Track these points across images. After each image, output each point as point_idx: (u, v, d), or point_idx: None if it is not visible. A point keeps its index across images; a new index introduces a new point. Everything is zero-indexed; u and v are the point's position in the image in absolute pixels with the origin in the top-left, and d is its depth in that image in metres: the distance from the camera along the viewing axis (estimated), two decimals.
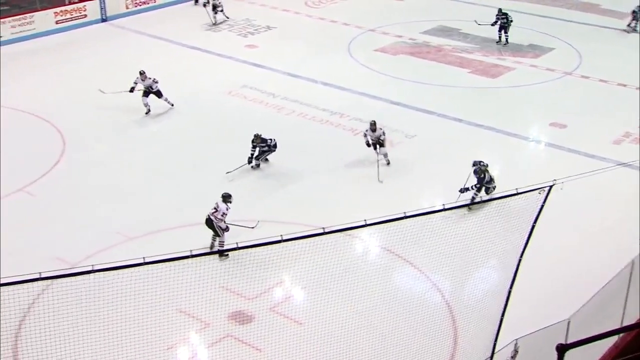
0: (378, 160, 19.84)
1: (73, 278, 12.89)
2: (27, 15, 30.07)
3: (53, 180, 19.47)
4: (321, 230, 9.93)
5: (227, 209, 16.14)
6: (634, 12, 31.21)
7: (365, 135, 20.10)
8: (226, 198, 16.29)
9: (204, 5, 32.08)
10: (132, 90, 22.70)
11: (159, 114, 23.13)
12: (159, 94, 23.06)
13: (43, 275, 10.00)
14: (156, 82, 22.91)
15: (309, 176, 19.79)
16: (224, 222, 16.10)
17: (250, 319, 14.52)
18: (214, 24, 31.44)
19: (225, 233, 16.12)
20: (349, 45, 29.58)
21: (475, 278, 14.82)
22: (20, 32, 29.65)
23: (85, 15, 31.59)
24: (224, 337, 14.05)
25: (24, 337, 13.77)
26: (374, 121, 19.97)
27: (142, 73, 22.77)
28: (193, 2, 34.62)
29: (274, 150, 20.07)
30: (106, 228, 17.18)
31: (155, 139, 22.20)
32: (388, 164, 20.06)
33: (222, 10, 31.82)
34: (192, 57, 28.63)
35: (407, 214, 10.11)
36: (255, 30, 31.33)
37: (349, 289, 14.00)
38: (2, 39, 28.97)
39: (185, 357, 14.01)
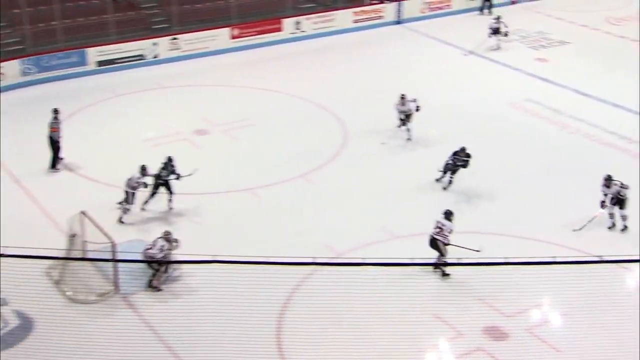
0: (611, 226, 17.41)
1: (339, 268, 13.25)
2: (329, 13, 31.38)
3: (331, 171, 20.14)
4: (597, 259, 9.34)
5: (452, 226, 15.45)
6: None
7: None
8: (449, 215, 15.62)
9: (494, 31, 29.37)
10: (402, 123, 21.52)
11: (435, 121, 23.04)
12: (409, 116, 21.38)
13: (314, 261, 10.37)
14: (414, 101, 21.27)
15: (582, 197, 18.70)
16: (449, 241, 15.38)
17: (505, 336, 14.05)
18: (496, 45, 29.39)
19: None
20: None
21: None
22: (321, 28, 31.02)
23: (382, 17, 32.39)
24: (474, 350, 13.73)
25: (287, 317, 14.36)
26: (609, 175, 17.23)
27: (402, 97, 21.28)
28: (478, 11, 34.19)
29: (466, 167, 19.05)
30: (374, 223, 17.45)
31: (433, 144, 22.19)
32: (624, 229, 17.24)
33: (506, 34, 29.36)
34: (478, 65, 28.31)
35: None
36: (548, 43, 30.34)
37: (617, 323, 13.12)
38: (304, 34, 30.49)
39: None
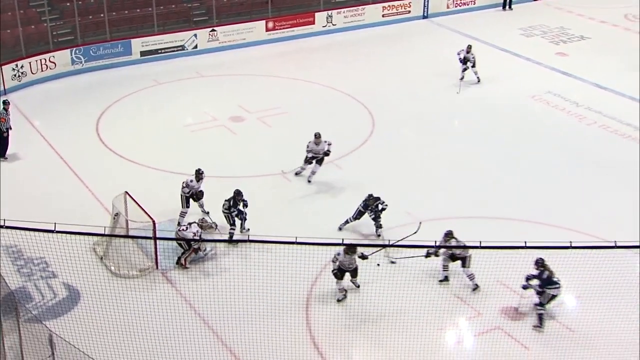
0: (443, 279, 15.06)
1: (364, 249, 13.21)
2: (360, 7, 31.21)
3: (360, 158, 20.07)
4: (612, 244, 9.25)
5: (362, 254, 13.92)
6: None
7: None
8: (348, 250, 13.68)
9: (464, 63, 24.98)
10: (309, 162, 18.45)
11: (460, 112, 22.90)
12: (321, 161, 18.40)
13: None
14: (329, 144, 18.33)
15: (598, 186, 18.62)
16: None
17: (521, 317, 13.98)
18: (461, 79, 25.05)
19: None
20: None
21: None
22: (352, 22, 30.88)
23: (409, 12, 32.17)
24: (493, 329, 13.68)
25: (316, 293, 14.38)
26: (450, 231, 14.52)
27: (317, 136, 18.24)
28: (502, 7, 33.75)
29: (384, 210, 16.43)
30: (398, 207, 17.36)
31: (457, 133, 22.17)
32: (475, 288, 14.52)
33: (473, 67, 24.98)
34: (501, 58, 28.06)
35: None
36: (569, 39, 29.92)
37: (628, 306, 12.98)
38: (335, 27, 30.36)
39: (453, 341, 13.81)
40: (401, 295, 13.53)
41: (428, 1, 32.36)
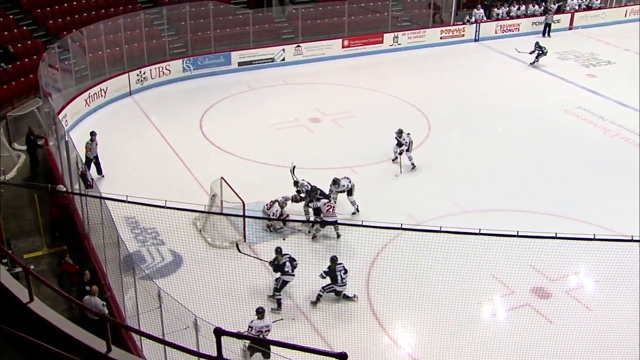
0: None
1: (418, 233, 13.02)
2: (421, 30, 30.85)
3: (417, 155, 19.77)
4: (628, 238, 8.92)
5: (269, 322, 11.98)
6: None
7: None
8: (260, 313, 11.85)
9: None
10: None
11: (501, 122, 22.35)
12: (351, 192, 16.34)
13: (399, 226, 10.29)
14: (348, 179, 16.44)
15: (618, 188, 17.94)
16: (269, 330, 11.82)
17: (548, 296, 13.67)
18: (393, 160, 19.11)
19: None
20: None
21: None
22: (414, 42, 30.50)
23: (463, 35, 31.61)
24: (523, 305, 13.41)
25: (376, 268, 14.28)
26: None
27: (335, 182, 16.22)
28: (542, 34, 32.78)
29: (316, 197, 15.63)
30: (449, 199, 17.15)
31: (500, 138, 21.70)
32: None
33: (408, 151, 18.87)
34: (540, 77, 27.28)
35: None
36: (597, 63, 28.90)
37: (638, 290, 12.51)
38: (400, 46, 30.06)
39: (489, 314, 13.58)
40: (448, 274, 13.38)
41: (479, 27, 31.74)
